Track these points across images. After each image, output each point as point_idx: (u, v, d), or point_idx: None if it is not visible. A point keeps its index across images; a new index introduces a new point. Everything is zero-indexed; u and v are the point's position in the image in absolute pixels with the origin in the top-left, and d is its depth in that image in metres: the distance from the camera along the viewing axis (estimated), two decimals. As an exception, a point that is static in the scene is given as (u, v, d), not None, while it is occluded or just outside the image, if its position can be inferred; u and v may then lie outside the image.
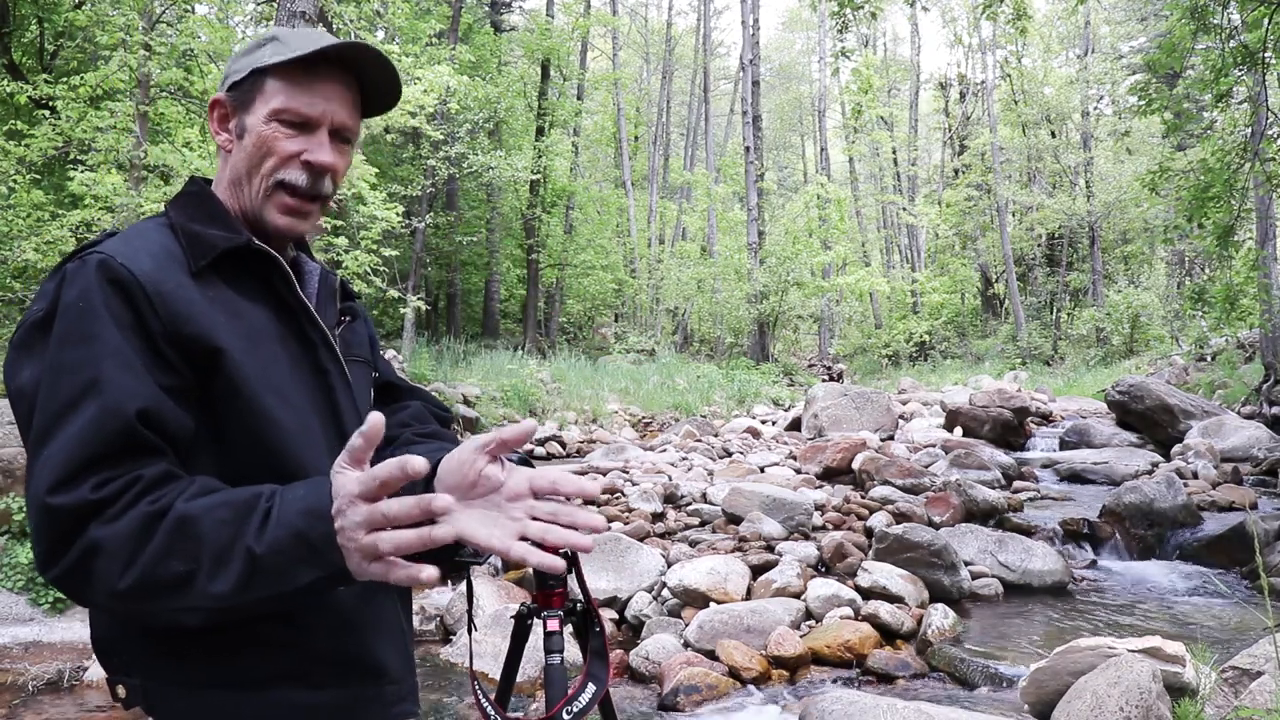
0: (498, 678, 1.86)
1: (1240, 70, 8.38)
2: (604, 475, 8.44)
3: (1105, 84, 28.20)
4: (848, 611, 5.08)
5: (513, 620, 1.81)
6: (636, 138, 32.92)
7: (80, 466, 0.97)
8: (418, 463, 0.89)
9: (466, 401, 12.06)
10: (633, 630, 5.18)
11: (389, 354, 13.62)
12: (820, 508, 7.09)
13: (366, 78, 1.27)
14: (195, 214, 1.22)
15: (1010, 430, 11.42)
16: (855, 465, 8.58)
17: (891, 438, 11.14)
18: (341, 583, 0.96)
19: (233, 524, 0.96)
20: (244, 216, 1.25)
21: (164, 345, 1.07)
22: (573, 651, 1.81)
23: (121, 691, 1.13)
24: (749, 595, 5.37)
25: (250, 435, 1.13)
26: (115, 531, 0.95)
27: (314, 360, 1.24)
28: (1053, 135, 29.00)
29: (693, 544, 6.28)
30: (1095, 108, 28.84)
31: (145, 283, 1.08)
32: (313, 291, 1.35)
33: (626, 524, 6.67)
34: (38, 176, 8.87)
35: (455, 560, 1.62)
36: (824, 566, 5.89)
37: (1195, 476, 8.38)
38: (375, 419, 0.93)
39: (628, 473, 8.62)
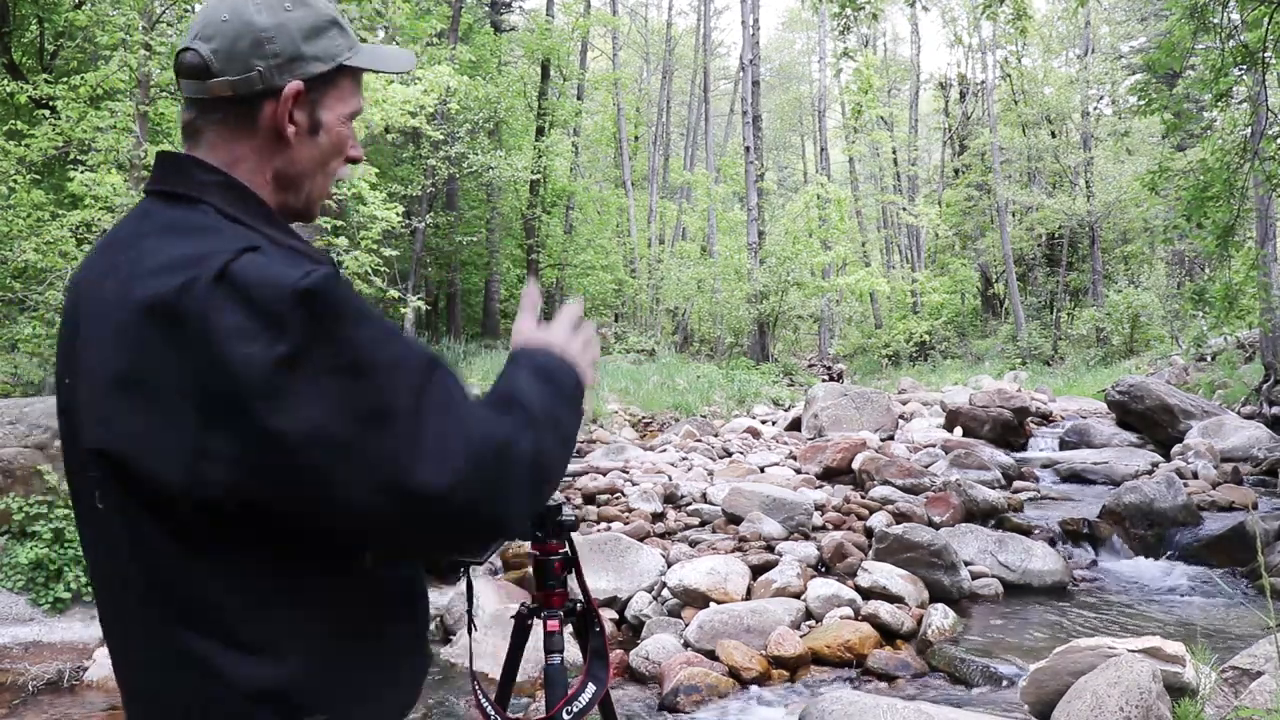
0: (498, 678, 1.86)
1: (1240, 70, 8.38)
2: (604, 475, 8.44)
3: (1105, 84, 28.20)
4: (848, 611, 5.08)
5: (513, 620, 1.81)
6: (636, 138, 32.89)
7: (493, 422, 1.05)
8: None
9: (466, 401, 12.05)
10: (633, 630, 5.18)
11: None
12: (820, 508, 7.09)
13: None
14: (271, 221, 1.12)
15: (1010, 430, 11.42)
16: (855, 465, 8.58)
17: (891, 438, 11.14)
18: None
19: (535, 385, 1.14)
20: (282, 210, 1.18)
21: None
22: (573, 651, 1.80)
23: None
24: (749, 595, 5.37)
25: None
26: (532, 441, 1.06)
27: None
28: (1053, 135, 29.00)
29: (693, 544, 6.28)
30: (1095, 108, 28.84)
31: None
32: None
33: (626, 524, 6.67)
34: (38, 176, 8.86)
35: (454, 560, 1.63)
36: (824, 566, 5.89)
37: (1195, 476, 8.38)
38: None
39: (628, 473, 8.61)
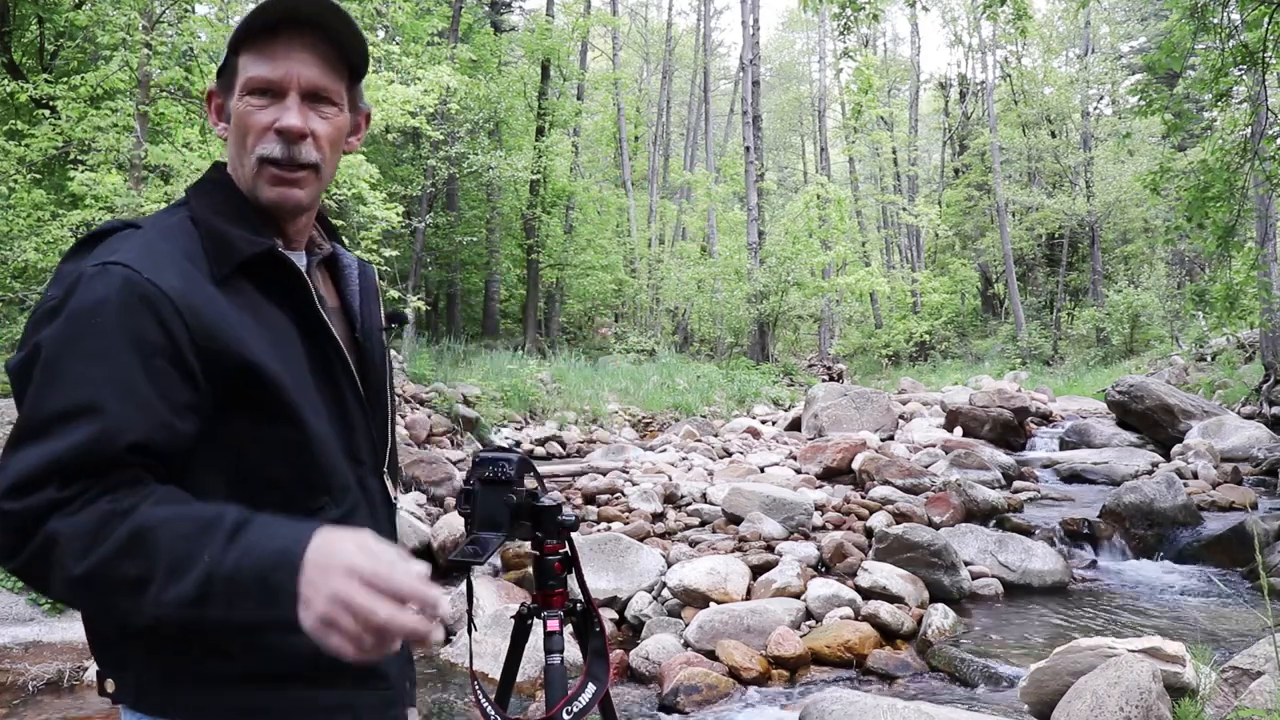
0: (498, 678, 1.86)
1: (1240, 70, 8.37)
2: (604, 475, 8.44)
3: (1105, 84, 28.20)
4: (848, 611, 5.08)
5: (513, 620, 1.81)
6: (636, 138, 32.91)
7: (49, 473, 0.97)
8: (444, 608, 0.93)
9: (466, 401, 12.06)
10: (633, 630, 5.18)
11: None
12: (820, 508, 7.09)
13: (338, 34, 1.20)
14: (219, 206, 1.18)
15: (1010, 430, 11.42)
16: (855, 465, 8.58)
17: (891, 438, 11.14)
18: (290, 634, 0.91)
19: (194, 539, 0.94)
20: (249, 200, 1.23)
21: (189, 355, 1.06)
22: (573, 651, 1.80)
23: (110, 686, 1.13)
24: (749, 595, 5.37)
25: (282, 444, 1.13)
26: (72, 524, 0.95)
27: (328, 369, 1.21)
28: (1053, 135, 29.02)
29: (693, 544, 6.28)
30: (1095, 108, 28.86)
31: (174, 297, 1.06)
32: (354, 289, 1.35)
33: (626, 524, 6.67)
34: (38, 176, 8.86)
35: (455, 560, 1.63)
36: (824, 566, 5.89)
37: (1195, 476, 8.38)
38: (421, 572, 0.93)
39: (628, 473, 8.62)
